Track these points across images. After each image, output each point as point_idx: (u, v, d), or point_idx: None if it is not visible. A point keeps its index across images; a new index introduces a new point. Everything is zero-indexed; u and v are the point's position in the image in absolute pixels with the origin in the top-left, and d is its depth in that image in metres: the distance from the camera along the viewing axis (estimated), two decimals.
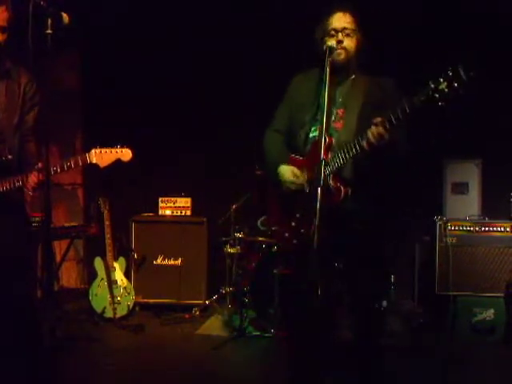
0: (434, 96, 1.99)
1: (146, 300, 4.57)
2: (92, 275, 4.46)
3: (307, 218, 2.17)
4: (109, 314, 4.23)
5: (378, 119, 2.12)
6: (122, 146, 2.53)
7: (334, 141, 2.31)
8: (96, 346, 3.64)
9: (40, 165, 2.42)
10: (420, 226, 4.35)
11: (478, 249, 3.93)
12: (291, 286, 2.62)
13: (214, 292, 4.55)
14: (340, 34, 2.34)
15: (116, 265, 4.39)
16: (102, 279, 4.33)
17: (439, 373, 3.24)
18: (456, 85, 1.95)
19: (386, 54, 4.14)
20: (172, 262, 4.63)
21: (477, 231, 3.95)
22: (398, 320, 4.15)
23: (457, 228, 3.97)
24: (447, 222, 3.99)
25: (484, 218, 4.03)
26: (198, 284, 4.58)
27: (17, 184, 2.44)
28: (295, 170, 2.39)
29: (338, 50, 2.33)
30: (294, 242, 2.37)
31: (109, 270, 4.34)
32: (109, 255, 4.36)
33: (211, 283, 4.62)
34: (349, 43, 2.36)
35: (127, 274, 4.49)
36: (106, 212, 4.42)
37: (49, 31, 2.20)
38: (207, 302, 4.55)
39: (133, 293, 4.39)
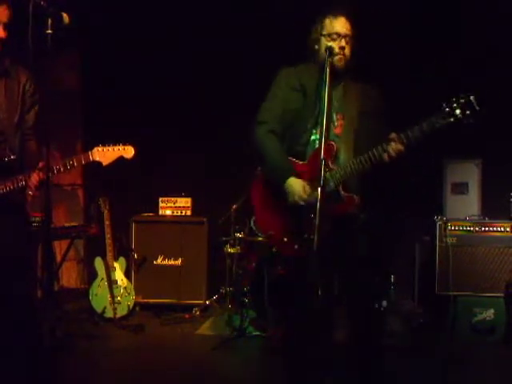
0: (450, 120, 2.12)
1: (146, 300, 4.57)
2: (92, 275, 4.46)
3: (310, 223, 2.16)
4: (109, 313, 4.23)
5: (393, 135, 2.18)
6: (124, 144, 2.53)
7: (336, 147, 2.32)
8: (96, 346, 3.65)
9: (41, 164, 2.43)
10: (420, 226, 4.35)
11: (478, 249, 3.92)
12: (290, 287, 2.61)
13: (214, 292, 4.56)
14: (343, 40, 2.35)
15: (116, 265, 4.39)
16: (103, 279, 4.33)
17: (439, 373, 3.23)
18: (469, 113, 2.09)
19: (386, 54, 4.16)
20: (172, 261, 4.63)
21: (477, 231, 3.95)
22: (398, 320, 4.15)
23: (457, 228, 3.97)
24: (447, 222, 3.99)
25: (484, 218, 4.03)
26: (198, 284, 4.58)
27: (20, 184, 2.44)
28: (306, 186, 2.31)
29: (340, 56, 2.34)
30: (295, 247, 2.34)
31: (109, 270, 4.34)
32: (109, 255, 4.36)
33: (211, 283, 4.62)
34: (348, 50, 2.37)
35: (127, 274, 4.49)
36: (106, 212, 4.42)
37: (49, 31, 2.20)
38: (207, 302, 4.55)
39: (133, 293, 4.39)
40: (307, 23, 2.48)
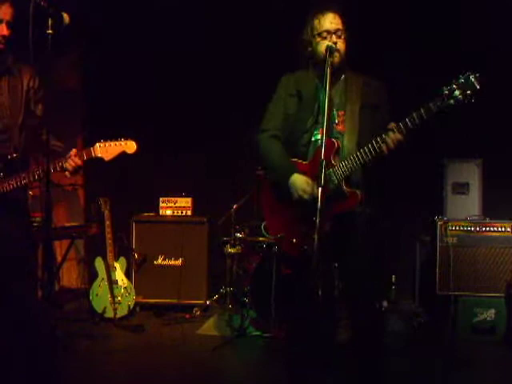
0: (449, 102, 2.07)
1: (146, 300, 4.57)
2: (93, 275, 4.46)
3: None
4: (109, 314, 4.23)
5: (393, 125, 2.16)
6: (126, 139, 2.52)
7: (339, 144, 2.31)
8: (96, 346, 3.65)
9: (74, 151, 2.46)
10: (420, 226, 4.35)
11: (479, 249, 3.92)
12: (291, 287, 2.61)
13: (215, 292, 4.56)
14: (334, 36, 2.34)
15: (117, 265, 4.39)
16: (103, 279, 4.33)
17: (440, 373, 3.24)
18: (469, 92, 2.04)
19: (386, 54, 4.16)
20: (173, 262, 4.63)
21: (477, 231, 3.95)
22: (399, 320, 4.15)
23: (457, 228, 3.97)
24: (448, 222, 3.99)
25: (485, 219, 4.03)
26: (199, 284, 4.58)
27: (23, 182, 2.44)
28: (309, 180, 2.33)
29: (334, 53, 2.32)
30: (305, 247, 2.33)
31: (109, 270, 4.34)
32: (109, 255, 4.36)
33: (212, 283, 4.62)
34: (341, 45, 2.36)
35: (128, 274, 4.49)
36: (106, 212, 4.42)
37: (49, 31, 2.20)
38: (208, 302, 4.55)
39: (133, 293, 4.39)
40: (299, 23, 2.48)
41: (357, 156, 2.24)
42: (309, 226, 2.29)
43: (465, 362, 3.40)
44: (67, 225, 4.64)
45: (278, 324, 3.70)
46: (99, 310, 4.25)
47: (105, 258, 4.37)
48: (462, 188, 4.18)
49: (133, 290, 4.40)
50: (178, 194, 4.77)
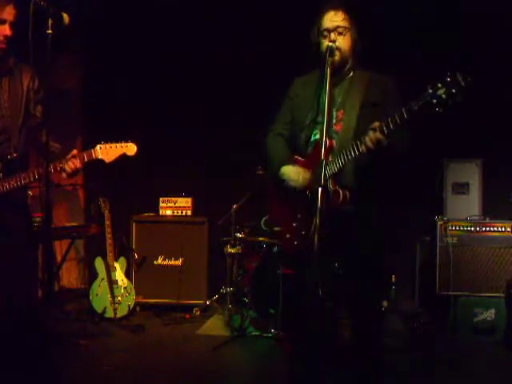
0: (432, 102, 1.97)
1: (146, 300, 4.57)
2: (93, 275, 4.46)
3: (308, 220, 2.17)
4: (109, 314, 4.23)
5: (376, 124, 2.12)
6: (126, 141, 2.54)
7: (334, 143, 2.31)
8: (97, 346, 3.64)
9: (75, 151, 2.47)
10: (420, 226, 4.35)
11: (479, 249, 3.92)
12: (292, 286, 2.62)
13: (215, 292, 4.56)
14: (332, 34, 2.31)
15: (117, 265, 4.39)
16: (103, 279, 4.33)
17: (440, 373, 3.24)
18: (454, 91, 1.94)
19: (386, 53, 4.15)
20: (173, 262, 4.63)
21: (477, 231, 3.95)
22: (399, 320, 4.15)
23: (457, 228, 3.97)
24: (448, 222, 3.99)
25: (485, 219, 4.03)
26: (199, 284, 4.58)
27: (23, 181, 2.45)
28: (299, 169, 2.37)
29: (334, 52, 2.30)
30: (296, 243, 2.37)
31: (109, 270, 4.34)
32: (109, 255, 4.36)
33: (212, 283, 4.62)
34: (342, 42, 2.32)
35: (128, 274, 4.49)
36: (106, 212, 4.42)
37: (49, 31, 2.21)
38: (208, 302, 4.55)
39: (133, 293, 4.39)
40: (307, 23, 2.47)
41: (342, 155, 2.23)
42: (300, 221, 2.33)
43: (465, 361, 3.40)
44: (67, 225, 4.64)
45: (278, 324, 3.70)
46: (99, 309, 4.25)
47: (105, 258, 4.37)
48: (462, 188, 4.19)
49: (133, 289, 4.40)
50: (178, 194, 4.77)
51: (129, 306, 4.32)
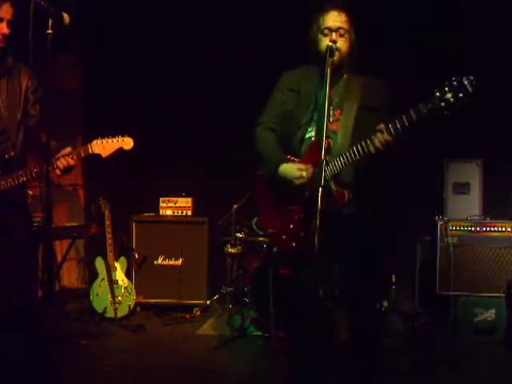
0: (440, 105, 2.02)
1: (146, 300, 4.57)
2: (93, 275, 4.45)
3: (307, 221, 2.16)
4: (110, 313, 4.23)
5: (382, 126, 2.13)
6: (123, 135, 2.53)
7: (331, 143, 2.30)
8: (97, 346, 3.64)
9: (68, 150, 2.46)
10: (421, 226, 4.35)
11: (479, 249, 3.92)
12: (291, 287, 2.61)
13: (215, 292, 4.56)
14: (334, 34, 2.31)
15: (117, 265, 4.39)
16: (103, 279, 4.33)
17: (440, 373, 3.23)
18: (461, 95, 1.98)
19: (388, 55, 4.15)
20: (173, 261, 4.63)
21: (478, 231, 3.95)
22: (399, 320, 4.15)
23: (458, 228, 3.97)
24: (448, 222, 3.99)
25: (485, 219, 4.03)
26: (199, 284, 4.58)
27: (21, 180, 2.45)
28: (299, 165, 2.33)
29: (334, 52, 2.29)
30: (293, 244, 2.35)
31: (110, 270, 4.34)
32: (110, 255, 4.36)
33: (212, 283, 4.62)
34: (342, 43, 2.33)
35: (128, 274, 4.49)
36: (106, 212, 4.42)
37: (49, 31, 2.21)
38: (208, 302, 4.55)
39: (134, 293, 4.39)
40: (304, 20, 2.47)
41: (345, 155, 2.23)
42: (297, 223, 2.32)
43: (465, 361, 3.40)
44: (67, 225, 4.64)
45: (278, 324, 3.70)
46: (99, 309, 4.25)
47: (105, 258, 4.37)
48: (462, 188, 4.18)
49: (133, 289, 4.40)
50: (178, 194, 4.77)
51: (129, 305, 4.32)
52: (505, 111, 4.33)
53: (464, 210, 4.13)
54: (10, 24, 2.43)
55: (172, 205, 4.77)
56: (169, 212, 4.77)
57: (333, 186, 2.27)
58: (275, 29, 4.57)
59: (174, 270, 4.60)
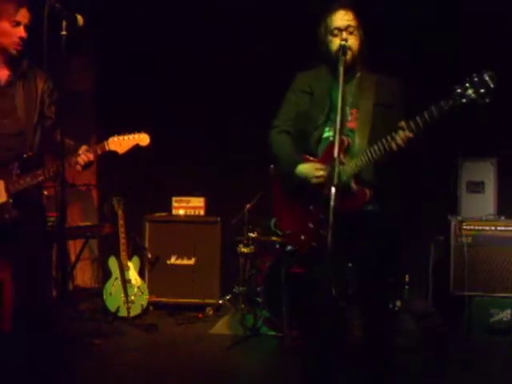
0: (462, 101, 2.02)
1: (159, 299, 4.59)
2: (106, 274, 4.49)
3: (326, 220, 2.15)
4: (123, 313, 4.25)
5: (403, 123, 2.14)
6: (139, 132, 2.53)
7: (350, 142, 2.30)
8: (110, 345, 3.67)
9: (84, 147, 2.48)
10: (435, 225, 4.32)
11: (494, 248, 3.88)
12: (304, 286, 2.61)
13: (228, 291, 4.56)
14: (344, 33, 2.31)
15: (130, 264, 4.41)
16: (116, 278, 4.36)
17: (455, 373, 3.21)
18: (483, 91, 1.98)
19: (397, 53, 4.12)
20: (185, 261, 4.65)
21: (492, 230, 3.91)
22: (412, 320, 4.12)
23: (472, 227, 3.93)
24: (462, 221, 3.95)
25: (500, 218, 3.98)
26: (212, 283, 4.58)
27: (39, 179, 2.47)
28: (317, 164, 2.34)
29: (347, 51, 2.29)
30: (313, 244, 2.34)
31: (123, 270, 4.37)
32: (123, 254, 4.38)
33: (225, 283, 4.62)
34: (353, 41, 2.33)
35: (141, 274, 4.51)
36: (120, 212, 4.45)
37: (64, 33, 2.23)
38: (221, 301, 4.55)
39: (146, 292, 4.41)
40: (314, 20, 2.46)
41: (366, 154, 2.23)
42: (317, 223, 2.31)
43: (478, 362, 3.37)
44: (81, 224, 4.67)
45: (291, 323, 3.70)
46: (113, 309, 4.27)
47: (118, 258, 4.39)
48: (476, 187, 4.14)
49: (146, 289, 4.42)
50: (190, 193, 4.78)
51: (142, 305, 4.34)
52: None
53: (478, 209, 4.08)
54: (27, 28, 2.46)
55: (185, 204, 4.78)
56: (181, 212, 4.78)
57: (353, 185, 2.26)
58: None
59: (187, 269, 4.61)
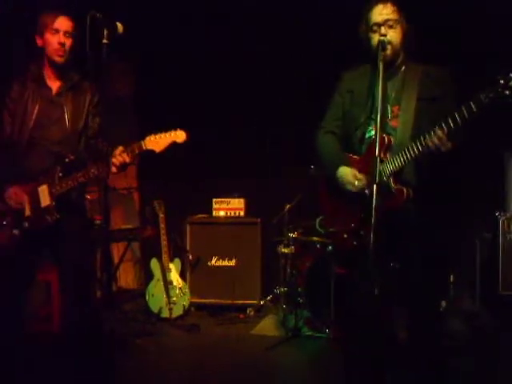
0: (504, 93, 1.90)
1: (201, 300, 4.63)
2: (148, 276, 4.55)
3: (367, 220, 2.12)
4: (165, 314, 4.31)
5: (441, 121, 2.06)
6: (175, 129, 2.54)
7: (392, 140, 2.26)
8: (153, 346, 3.72)
9: (121, 147, 2.50)
10: (481, 222, 4.18)
11: None
12: (348, 286, 2.58)
13: (269, 292, 4.56)
14: (383, 28, 2.26)
15: (171, 266, 4.47)
16: (158, 280, 4.42)
17: (507, 374, 3.10)
18: None
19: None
20: (226, 262, 4.67)
21: None
22: (458, 320, 4.01)
23: None
24: (511, 217, 3.82)
25: None
26: (253, 284, 4.59)
27: (79, 180, 2.54)
28: (357, 173, 2.34)
29: (386, 46, 2.25)
30: (354, 243, 2.33)
31: (165, 271, 4.43)
32: (164, 256, 4.44)
33: (265, 283, 4.62)
34: (393, 35, 2.27)
35: (182, 275, 4.56)
36: (161, 214, 4.50)
37: (105, 41, 2.28)
38: (262, 302, 4.55)
39: (188, 293, 4.45)
40: (352, 19, 2.43)
41: (405, 152, 2.18)
42: (358, 222, 2.28)
43: None
44: (123, 227, 4.77)
45: (333, 324, 3.66)
46: (155, 310, 4.33)
47: (160, 260, 4.45)
48: None
49: (187, 290, 4.47)
50: (230, 194, 4.80)
51: (184, 306, 4.39)
52: None
53: None
54: (67, 35, 2.54)
55: (225, 206, 4.80)
56: (222, 213, 4.81)
57: (392, 184, 2.22)
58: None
59: (228, 270, 4.63)
